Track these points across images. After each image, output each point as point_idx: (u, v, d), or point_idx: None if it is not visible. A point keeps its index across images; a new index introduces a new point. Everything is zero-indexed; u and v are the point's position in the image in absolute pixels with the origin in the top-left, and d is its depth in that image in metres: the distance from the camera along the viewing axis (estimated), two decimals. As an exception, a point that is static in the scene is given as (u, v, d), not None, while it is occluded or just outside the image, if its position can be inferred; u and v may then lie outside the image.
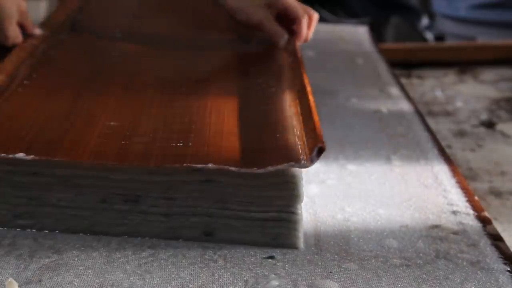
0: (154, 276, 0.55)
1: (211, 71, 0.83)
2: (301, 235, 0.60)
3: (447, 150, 0.86)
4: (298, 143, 0.62)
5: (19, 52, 0.82)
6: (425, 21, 2.00)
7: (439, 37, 1.92)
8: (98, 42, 0.92)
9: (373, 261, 0.59)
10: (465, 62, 1.34)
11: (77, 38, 0.90)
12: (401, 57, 1.33)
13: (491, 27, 1.87)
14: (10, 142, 0.62)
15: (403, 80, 1.17)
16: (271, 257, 0.59)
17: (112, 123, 0.67)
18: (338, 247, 0.60)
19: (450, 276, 0.57)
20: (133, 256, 0.58)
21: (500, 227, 0.72)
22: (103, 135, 0.64)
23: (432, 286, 0.56)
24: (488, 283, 0.56)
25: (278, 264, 0.58)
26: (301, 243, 0.60)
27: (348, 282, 0.56)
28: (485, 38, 1.73)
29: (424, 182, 0.72)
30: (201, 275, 0.56)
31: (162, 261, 0.58)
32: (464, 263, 0.59)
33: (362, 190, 0.70)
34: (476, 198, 0.69)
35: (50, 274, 0.55)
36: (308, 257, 0.59)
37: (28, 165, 0.59)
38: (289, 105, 0.70)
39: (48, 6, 1.64)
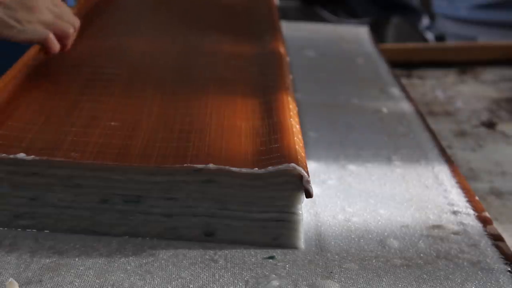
0: (155, 276, 0.55)
1: (212, 71, 0.83)
2: (301, 235, 0.60)
3: (448, 150, 0.85)
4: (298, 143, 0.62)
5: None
6: (425, 21, 2.00)
7: (440, 37, 1.92)
8: (99, 42, 0.92)
9: (373, 261, 0.59)
10: (465, 62, 1.34)
11: (78, 38, 0.90)
12: (402, 57, 1.32)
13: (491, 27, 1.87)
14: (11, 142, 0.62)
15: (404, 80, 1.17)
16: (272, 257, 0.59)
17: (112, 123, 0.67)
18: (339, 247, 0.60)
19: (450, 276, 0.57)
20: (133, 256, 0.58)
21: (500, 227, 0.72)
22: (103, 135, 0.64)
23: (432, 286, 0.55)
24: (489, 283, 0.56)
25: (278, 264, 0.58)
26: (301, 244, 0.60)
27: (348, 282, 0.56)
28: (485, 38, 1.73)
29: (424, 182, 0.72)
30: (201, 275, 0.56)
31: (162, 261, 0.58)
32: (465, 263, 0.59)
33: (362, 190, 0.70)
34: (476, 198, 0.69)
35: (51, 274, 0.55)
36: (308, 257, 0.59)
37: (28, 165, 0.59)
38: (289, 104, 0.70)
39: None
